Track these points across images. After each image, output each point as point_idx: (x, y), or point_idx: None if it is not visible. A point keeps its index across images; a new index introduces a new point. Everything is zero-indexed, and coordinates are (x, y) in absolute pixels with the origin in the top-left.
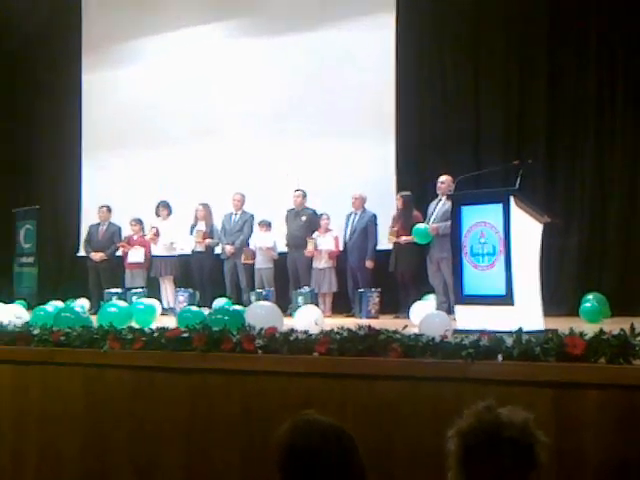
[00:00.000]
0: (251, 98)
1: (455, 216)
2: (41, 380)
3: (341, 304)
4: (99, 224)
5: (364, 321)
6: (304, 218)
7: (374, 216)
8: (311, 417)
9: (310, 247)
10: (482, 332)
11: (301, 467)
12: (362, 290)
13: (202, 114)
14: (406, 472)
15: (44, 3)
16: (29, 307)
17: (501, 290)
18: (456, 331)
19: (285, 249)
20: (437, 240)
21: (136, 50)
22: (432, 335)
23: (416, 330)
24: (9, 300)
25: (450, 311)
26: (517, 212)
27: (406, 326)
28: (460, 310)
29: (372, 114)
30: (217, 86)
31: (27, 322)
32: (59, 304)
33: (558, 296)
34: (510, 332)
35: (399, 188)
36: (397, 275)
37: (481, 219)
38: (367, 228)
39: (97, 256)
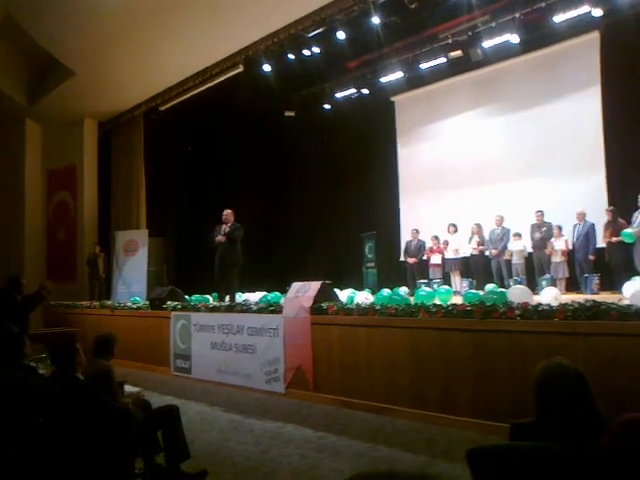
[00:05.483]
0: (503, 156)
1: None
2: (382, 336)
3: (572, 286)
4: (411, 240)
5: (589, 296)
6: (544, 229)
7: (592, 225)
8: (556, 359)
9: (549, 248)
10: None
11: (548, 391)
12: (587, 275)
13: (473, 167)
14: (628, 399)
15: (367, 107)
16: (373, 293)
17: None
18: None
19: (532, 250)
20: None
21: (432, 130)
22: None
23: (627, 302)
24: (360, 289)
25: None
26: None
27: (620, 299)
28: None
29: (587, 159)
30: (479, 148)
31: (372, 302)
32: (389, 291)
33: None
34: None
35: (608, 204)
36: (611, 264)
37: None
38: (588, 233)
39: (412, 260)
